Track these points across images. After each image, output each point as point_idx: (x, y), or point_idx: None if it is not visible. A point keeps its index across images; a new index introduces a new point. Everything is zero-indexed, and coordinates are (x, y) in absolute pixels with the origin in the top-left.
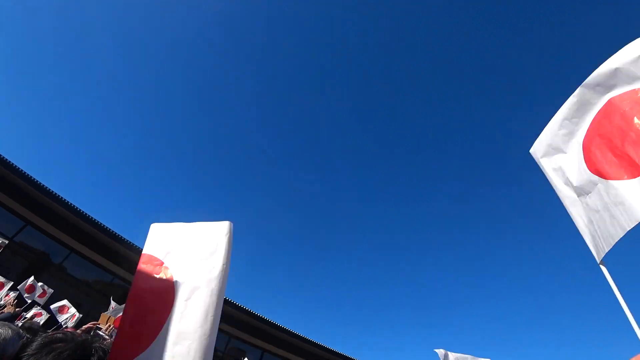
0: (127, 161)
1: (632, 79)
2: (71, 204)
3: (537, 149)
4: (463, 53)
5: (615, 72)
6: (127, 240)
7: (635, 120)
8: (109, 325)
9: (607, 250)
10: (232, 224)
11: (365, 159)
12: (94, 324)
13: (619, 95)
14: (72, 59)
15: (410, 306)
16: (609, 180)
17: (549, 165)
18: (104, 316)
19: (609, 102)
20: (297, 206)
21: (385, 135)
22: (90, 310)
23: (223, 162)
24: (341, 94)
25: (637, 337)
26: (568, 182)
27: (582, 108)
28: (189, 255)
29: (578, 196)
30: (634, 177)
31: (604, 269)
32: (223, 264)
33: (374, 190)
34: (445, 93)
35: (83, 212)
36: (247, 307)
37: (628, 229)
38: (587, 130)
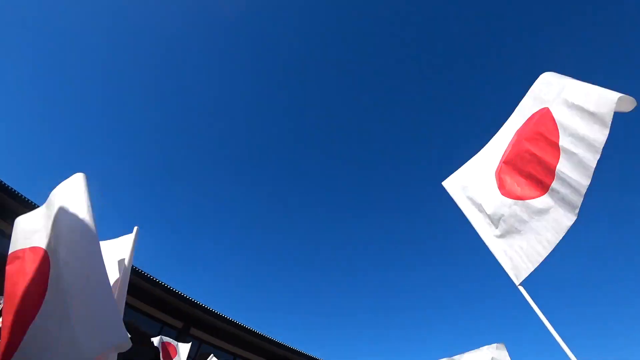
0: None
1: (529, 109)
2: None
3: (451, 182)
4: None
5: (521, 108)
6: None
7: (526, 145)
8: None
9: (532, 269)
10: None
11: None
12: None
13: (522, 126)
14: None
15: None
16: (525, 200)
17: (461, 196)
18: None
19: (516, 133)
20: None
21: (380, 139)
22: None
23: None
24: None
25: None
26: (482, 210)
27: (497, 145)
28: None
29: (493, 222)
30: (543, 194)
31: (522, 289)
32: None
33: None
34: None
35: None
36: (219, 312)
37: (556, 242)
38: (499, 161)
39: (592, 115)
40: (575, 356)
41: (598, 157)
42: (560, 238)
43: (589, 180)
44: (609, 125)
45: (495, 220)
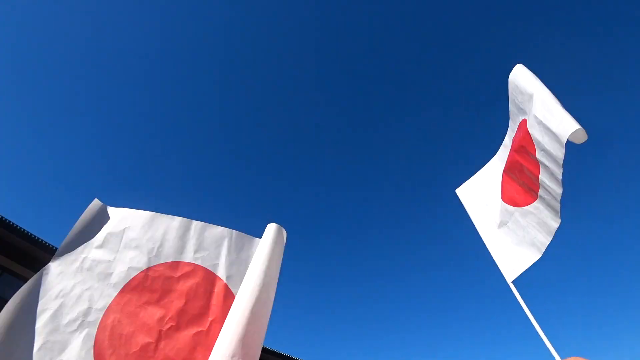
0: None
1: (517, 117)
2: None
3: (463, 191)
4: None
5: (512, 115)
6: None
7: (516, 156)
8: None
9: (525, 268)
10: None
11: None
12: None
13: (515, 134)
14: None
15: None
16: (524, 207)
17: (471, 204)
18: None
19: (512, 140)
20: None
21: (379, 137)
22: None
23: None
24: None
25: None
26: (489, 216)
27: (502, 154)
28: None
29: (498, 227)
30: (535, 200)
31: (513, 287)
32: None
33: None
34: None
35: (15, 225)
36: None
37: (547, 243)
38: (502, 171)
39: (553, 135)
40: (559, 354)
41: (562, 171)
42: (550, 240)
43: (561, 189)
44: (564, 146)
45: (500, 225)
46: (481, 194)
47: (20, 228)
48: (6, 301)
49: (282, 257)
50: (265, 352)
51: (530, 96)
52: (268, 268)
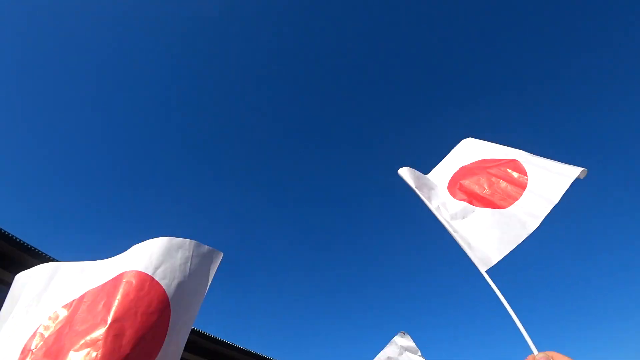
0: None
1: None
2: None
3: (407, 172)
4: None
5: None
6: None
7: (492, 171)
8: None
9: (499, 258)
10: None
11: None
12: None
13: (485, 160)
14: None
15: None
16: (493, 209)
17: (421, 187)
18: None
19: (479, 161)
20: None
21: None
22: None
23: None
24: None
25: (526, 342)
26: (442, 208)
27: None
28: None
29: (458, 219)
30: (510, 205)
31: (486, 276)
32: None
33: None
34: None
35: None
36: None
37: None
38: (450, 179)
39: (556, 175)
40: (535, 344)
41: (548, 211)
42: (526, 237)
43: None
44: (566, 186)
45: (457, 218)
46: (432, 180)
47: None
48: None
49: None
50: (244, 353)
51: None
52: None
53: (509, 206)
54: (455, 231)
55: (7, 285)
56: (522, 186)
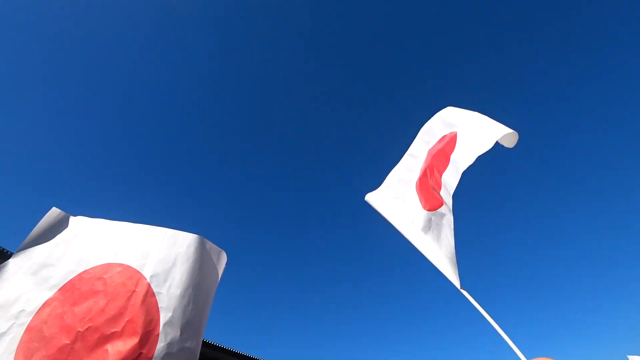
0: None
1: (436, 133)
2: None
3: (374, 197)
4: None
5: (429, 130)
6: None
7: (433, 161)
8: None
9: (456, 267)
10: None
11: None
12: None
13: (432, 146)
14: None
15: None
16: (437, 210)
17: (388, 211)
18: None
19: (428, 151)
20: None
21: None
22: None
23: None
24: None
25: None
26: (412, 223)
27: (412, 161)
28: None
29: (425, 233)
30: (441, 206)
31: (465, 292)
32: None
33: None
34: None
35: None
36: None
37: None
38: (418, 178)
39: (482, 138)
40: (523, 352)
41: (467, 165)
42: (452, 239)
43: (457, 182)
44: (488, 147)
45: (423, 232)
46: (396, 199)
47: None
48: None
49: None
50: (229, 354)
51: (469, 115)
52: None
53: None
54: (426, 250)
55: None
56: (448, 160)
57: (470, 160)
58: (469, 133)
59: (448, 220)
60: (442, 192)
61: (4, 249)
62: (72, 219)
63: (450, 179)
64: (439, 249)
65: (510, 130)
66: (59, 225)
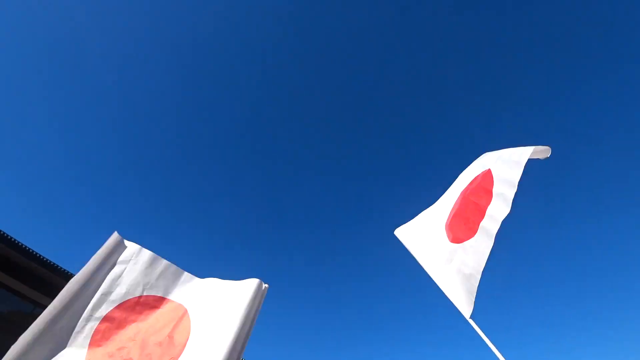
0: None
1: (469, 176)
2: None
3: (403, 231)
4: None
5: (464, 175)
6: (52, 263)
7: (471, 198)
8: None
9: (473, 298)
10: (263, 284)
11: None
12: None
13: (465, 187)
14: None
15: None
16: (464, 242)
17: (414, 243)
18: None
19: (461, 192)
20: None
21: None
22: (6, 346)
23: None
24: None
25: None
26: (433, 256)
27: (445, 202)
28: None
29: (446, 265)
30: (475, 234)
31: (472, 322)
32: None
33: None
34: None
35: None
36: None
37: (482, 268)
38: (448, 216)
39: (515, 163)
40: None
41: (514, 191)
42: (484, 264)
43: (508, 209)
44: (523, 166)
45: (445, 264)
46: (423, 234)
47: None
48: None
49: (257, 314)
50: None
51: (500, 153)
52: (242, 328)
53: (475, 233)
54: (442, 280)
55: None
56: (490, 194)
57: (515, 184)
58: (502, 162)
59: (481, 249)
60: (483, 223)
61: (66, 270)
62: (128, 243)
63: (499, 209)
64: (457, 279)
65: (543, 147)
66: (117, 249)
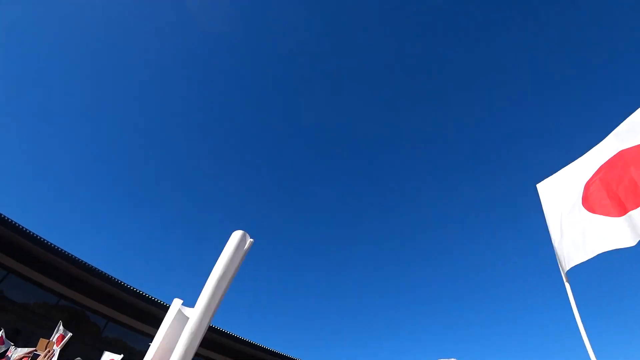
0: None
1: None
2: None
3: (544, 187)
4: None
5: (632, 126)
6: (74, 257)
7: (632, 169)
8: (48, 351)
9: (580, 261)
10: (248, 237)
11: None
12: (30, 352)
13: (628, 148)
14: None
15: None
16: (595, 214)
17: (549, 202)
18: (42, 342)
19: (619, 153)
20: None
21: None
22: (31, 338)
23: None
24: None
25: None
26: (562, 215)
27: (596, 156)
28: None
29: (565, 225)
30: (620, 216)
31: (567, 284)
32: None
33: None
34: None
35: (19, 225)
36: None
37: (593, 255)
38: (593, 174)
39: None
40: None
41: None
42: (611, 248)
43: None
44: None
45: (568, 224)
46: (561, 193)
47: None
48: None
49: (239, 262)
50: (267, 353)
51: None
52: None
53: (620, 216)
54: (558, 231)
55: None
56: None
57: None
58: None
59: (611, 238)
60: (633, 213)
61: (162, 302)
62: (186, 309)
63: None
64: (581, 241)
65: None
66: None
